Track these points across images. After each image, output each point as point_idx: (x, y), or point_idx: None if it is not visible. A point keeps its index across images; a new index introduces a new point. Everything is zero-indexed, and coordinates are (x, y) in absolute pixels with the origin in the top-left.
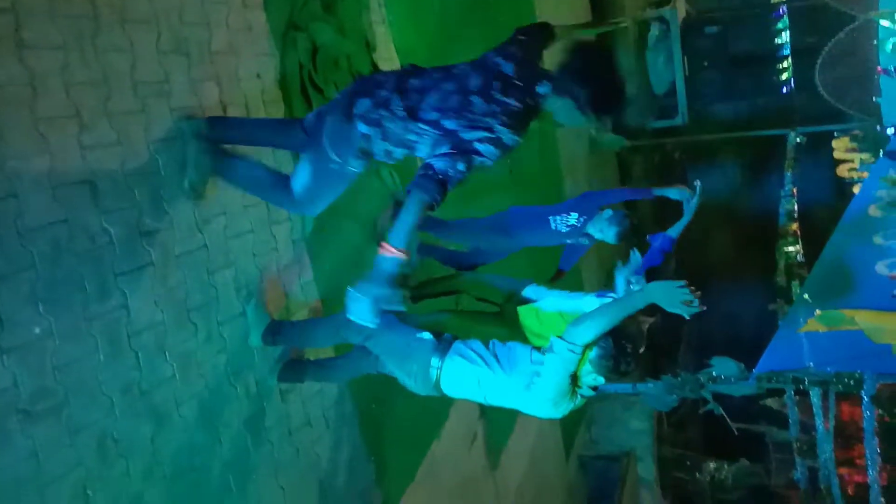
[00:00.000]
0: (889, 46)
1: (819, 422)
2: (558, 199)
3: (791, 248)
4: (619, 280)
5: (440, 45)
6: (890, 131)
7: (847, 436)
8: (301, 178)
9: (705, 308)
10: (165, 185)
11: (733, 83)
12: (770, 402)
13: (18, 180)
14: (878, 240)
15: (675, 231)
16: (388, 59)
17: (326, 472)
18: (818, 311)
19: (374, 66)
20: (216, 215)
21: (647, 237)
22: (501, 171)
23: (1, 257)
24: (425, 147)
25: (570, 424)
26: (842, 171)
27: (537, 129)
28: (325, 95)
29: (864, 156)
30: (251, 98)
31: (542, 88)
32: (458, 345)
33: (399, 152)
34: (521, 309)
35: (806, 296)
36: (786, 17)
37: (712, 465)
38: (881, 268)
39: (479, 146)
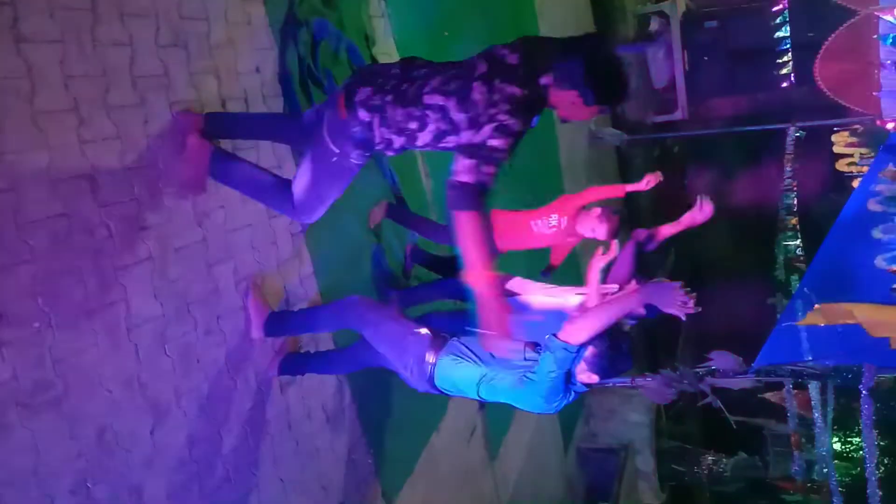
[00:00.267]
0: (889, 41)
1: (817, 415)
2: (558, 194)
3: (790, 243)
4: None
5: (440, 39)
6: (889, 126)
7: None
8: (302, 179)
9: (700, 309)
10: (164, 178)
11: (733, 78)
12: (768, 395)
13: (17, 174)
14: (877, 234)
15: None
16: (388, 53)
17: (326, 464)
18: (817, 305)
19: (374, 59)
20: (215, 209)
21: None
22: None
23: (0, 251)
24: (427, 136)
25: (569, 417)
26: (841, 165)
27: (537, 124)
28: (324, 89)
29: (864, 150)
30: (250, 92)
31: (544, 79)
32: (453, 342)
33: (399, 141)
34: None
35: (805, 290)
36: (786, 12)
37: (710, 457)
38: (880, 262)
39: (492, 142)
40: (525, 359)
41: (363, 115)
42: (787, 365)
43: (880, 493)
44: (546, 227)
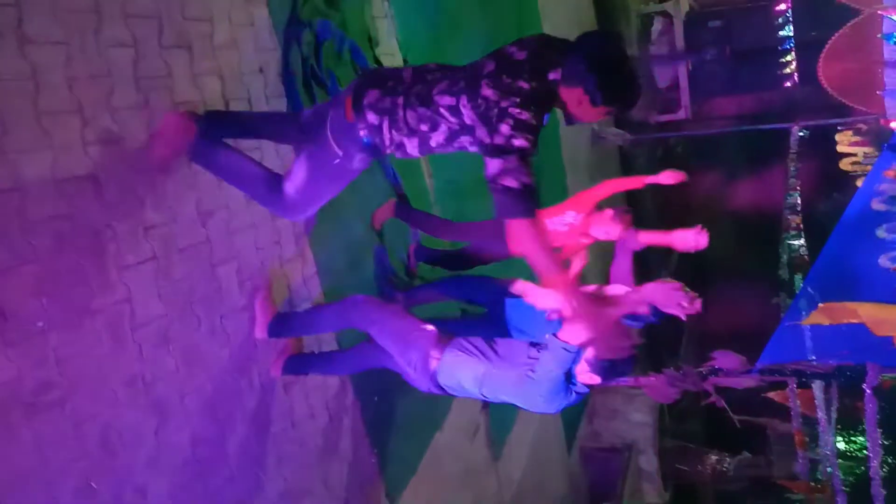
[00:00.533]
0: (893, 40)
1: (821, 414)
2: (561, 193)
3: (794, 242)
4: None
5: (443, 39)
6: (893, 125)
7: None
8: (296, 176)
9: (700, 311)
10: (168, 180)
11: (736, 77)
12: (772, 394)
13: (21, 174)
14: (881, 233)
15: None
16: (391, 54)
17: (329, 464)
18: (821, 304)
19: (377, 60)
20: (219, 209)
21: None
22: None
23: (4, 251)
24: (440, 136)
25: (572, 416)
26: (845, 164)
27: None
28: (327, 90)
29: (868, 149)
30: (254, 93)
31: (553, 74)
32: (459, 339)
33: (411, 143)
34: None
35: (808, 289)
36: (789, 11)
37: (714, 457)
38: (884, 261)
39: (515, 142)
40: (528, 357)
41: (372, 117)
42: (791, 364)
43: (884, 492)
44: (561, 224)
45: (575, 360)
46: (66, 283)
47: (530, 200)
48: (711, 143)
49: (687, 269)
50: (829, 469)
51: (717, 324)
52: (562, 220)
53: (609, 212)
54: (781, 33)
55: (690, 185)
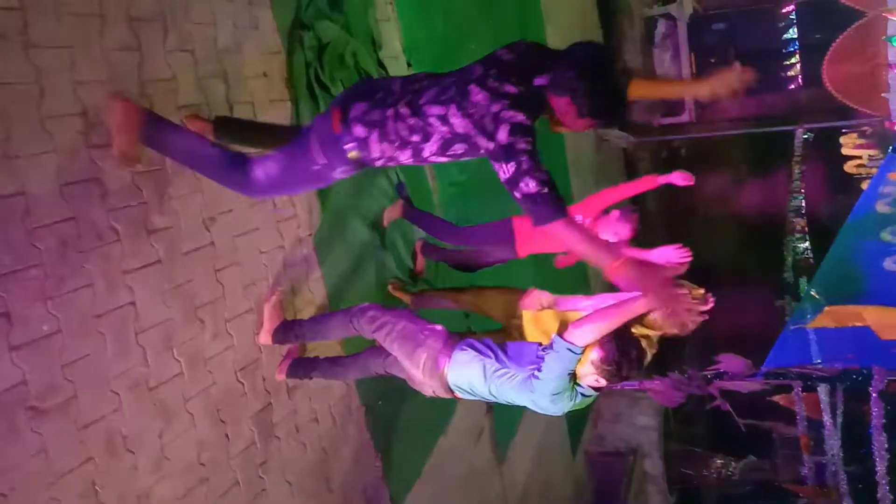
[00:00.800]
0: None
1: (826, 418)
2: (565, 196)
3: (799, 245)
4: None
5: (447, 42)
6: None
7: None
8: (271, 166)
9: (706, 318)
10: (172, 183)
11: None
12: (777, 398)
13: (26, 178)
14: (886, 236)
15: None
16: (395, 57)
17: (333, 467)
18: (826, 308)
19: (381, 63)
20: (223, 213)
21: None
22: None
23: (9, 254)
24: (433, 146)
25: (577, 420)
26: (849, 167)
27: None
28: (331, 93)
29: (872, 152)
30: (257, 96)
31: (539, 79)
32: (468, 339)
33: (404, 155)
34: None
35: (813, 292)
36: (794, 13)
37: (719, 460)
38: (889, 264)
39: (520, 145)
40: (537, 357)
41: (359, 131)
42: (796, 368)
43: (891, 496)
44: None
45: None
46: (70, 287)
47: (555, 198)
48: (715, 146)
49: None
50: (835, 472)
51: (722, 327)
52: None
53: (615, 213)
54: (786, 36)
55: (695, 188)
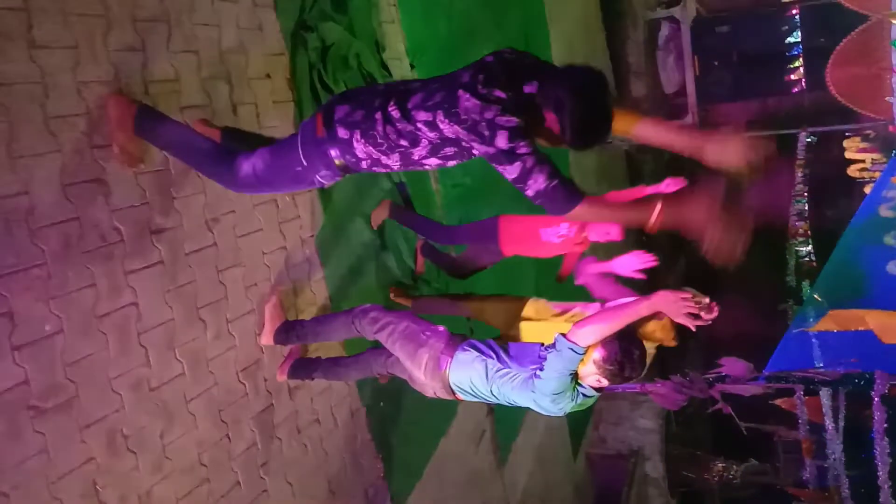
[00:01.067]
0: None
1: (829, 422)
2: None
3: (801, 248)
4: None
5: (450, 44)
6: None
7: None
8: (258, 161)
9: (710, 322)
10: (176, 184)
11: (744, 82)
12: (779, 401)
13: (30, 178)
14: (889, 240)
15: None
16: (398, 59)
17: (335, 468)
18: (829, 311)
19: (384, 65)
20: (226, 213)
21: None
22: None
23: (12, 254)
24: (422, 150)
25: (579, 422)
26: (853, 171)
27: None
28: (334, 95)
29: (876, 156)
30: (261, 98)
31: (529, 87)
32: (470, 339)
33: (393, 159)
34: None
35: (816, 295)
36: (797, 16)
37: (721, 464)
38: (892, 268)
39: (521, 150)
40: (539, 357)
41: (342, 132)
42: (798, 371)
43: (893, 501)
44: (555, 235)
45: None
46: (73, 287)
47: (566, 186)
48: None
49: (695, 275)
50: (837, 476)
51: (724, 330)
52: (556, 232)
53: None
54: (789, 39)
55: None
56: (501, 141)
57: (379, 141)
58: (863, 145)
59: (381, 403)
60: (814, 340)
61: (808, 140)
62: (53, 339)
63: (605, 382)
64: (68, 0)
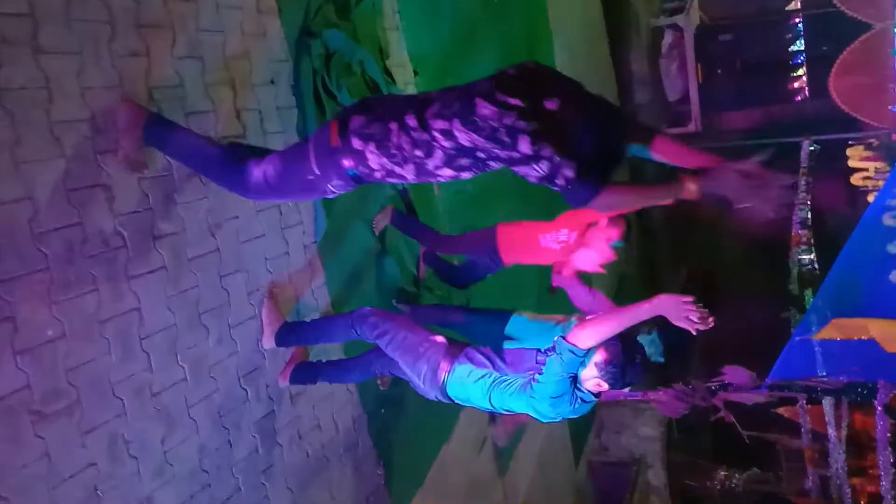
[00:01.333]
0: None
1: (831, 431)
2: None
3: (804, 257)
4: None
5: (454, 52)
6: None
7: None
8: (269, 168)
9: (711, 327)
10: (179, 189)
11: (747, 91)
12: (782, 410)
13: (33, 183)
14: (892, 249)
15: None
16: (402, 66)
17: (336, 475)
18: (832, 320)
19: (388, 71)
20: (229, 219)
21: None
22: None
23: (15, 259)
24: (436, 160)
25: (580, 430)
26: (856, 179)
27: None
28: (337, 101)
29: (879, 164)
30: (265, 103)
31: (550, 104)
32: (469, 349)
33: (407, 169)
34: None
35: (819, 304)
36: (800, 25)
37: (723, 472)
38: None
39: (544, 152)
40: (536, 362)
41: (356, 143)
42: (801, 380)
43: None
44: (554, 241)
45: (583, 364)
46: (75, 292)
47: (587, 178)
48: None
49: (697, 282)
50: (839, 486)
51: (726, 338)
52: (556, 238)
53: (602, 220)
54: (792, 47)
55: (700, 198)
56: (524, 145)
57: (393, 152)
58: (866, 154)
59: (383, 410)
60: (817, 349)
61: (811, 148)
62: (55, 344)
63: (605, 386)
64: (73, 6)
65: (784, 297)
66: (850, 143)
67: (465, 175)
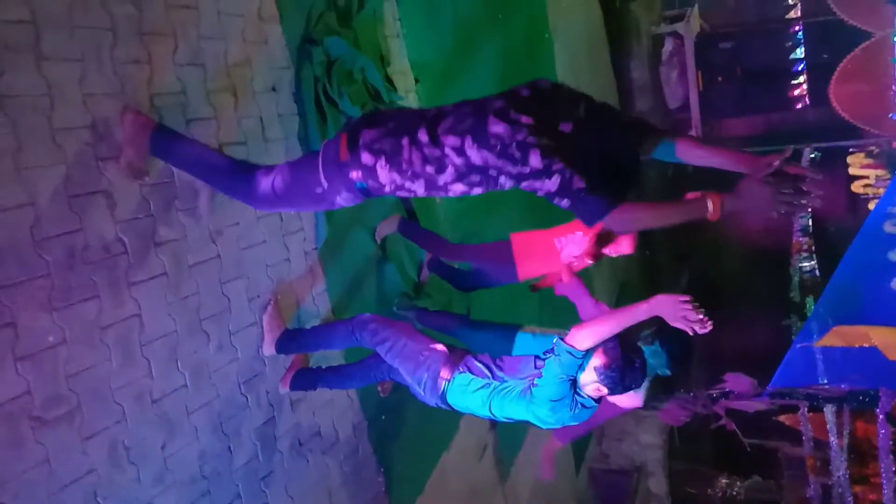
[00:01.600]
0: None
1: (833, 438)
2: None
3: (805, 264)
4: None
5: (455, 59)
6: None
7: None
8: (277, 179)
9: (709, 329)
10: (180, 196)
11: (747, 98)
12: (783, 418)
13: (35, 189)
14: (893, 257)
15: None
16: (403, 73)
17: (336, 482)
18: (833, 328)
19: (389, 79)
20: (229, 226)
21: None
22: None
23: (16, 265)
24: (447, 177)
25: (581, 437)
26: (857, 187)
27: None
28: (338, 108)
29: (880, 172)
30: (266, 111)
31: (565, 126)
32: (469, 358)
33: (417, 185)
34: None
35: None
36: (801, 33)
37: (724, 480)
38: None
39: (555, 167)
40: (535, 368)
41: (367, 158)
42: (803, 388)
43: None
44: (572, 243)
45: (582, 366)
46: (76, 298)
47: (598, 193)
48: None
49: (697, 290)
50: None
51: (728, 346)
52: (573, 240)
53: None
54: (793, 55)
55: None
56: (535, 160)
57: (404, 168)
58: (867, 161)
59: (383, 417)
60: (818, 357)
61: (812, 156)
62: (56, 350)
63: (604, 391)
64: (75, 13)
65: (785, 305)
66: (850, 150)
67: (477, 191)
